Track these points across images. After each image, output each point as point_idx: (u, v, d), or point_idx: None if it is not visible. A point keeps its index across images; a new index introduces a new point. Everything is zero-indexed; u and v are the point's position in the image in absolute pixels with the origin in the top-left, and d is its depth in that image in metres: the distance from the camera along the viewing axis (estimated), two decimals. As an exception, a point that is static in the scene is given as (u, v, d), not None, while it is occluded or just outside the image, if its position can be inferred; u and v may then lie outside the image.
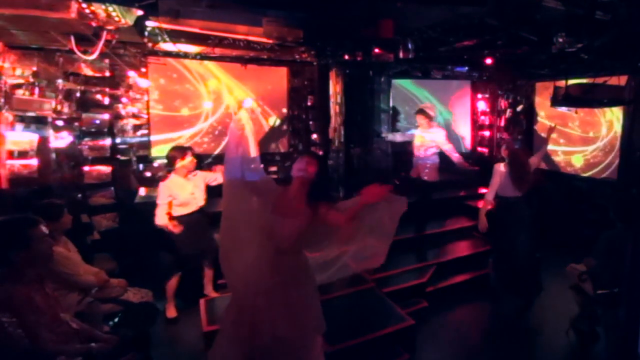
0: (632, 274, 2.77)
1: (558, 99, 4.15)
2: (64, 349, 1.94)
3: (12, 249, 1.86)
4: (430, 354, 3.29)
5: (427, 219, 5.01)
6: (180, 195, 3.51)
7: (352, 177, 5.47)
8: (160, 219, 3.45)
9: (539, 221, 4.80)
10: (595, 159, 5.45)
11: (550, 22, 3.48)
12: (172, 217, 3.49)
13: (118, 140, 4.74)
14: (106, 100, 4.58)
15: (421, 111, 4.73)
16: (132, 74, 4.62)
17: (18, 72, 3.88)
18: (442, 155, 4.79)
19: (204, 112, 5.31)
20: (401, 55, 4.49)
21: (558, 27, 3.51)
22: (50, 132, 4.12)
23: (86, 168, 4.43)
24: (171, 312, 3.70)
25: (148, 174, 4.94)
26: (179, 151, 3.57)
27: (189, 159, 3.55)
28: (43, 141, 4.01)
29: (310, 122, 5.96)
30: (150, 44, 4.26)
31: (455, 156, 4.69)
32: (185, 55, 4.87)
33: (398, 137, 5.20)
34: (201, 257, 3.76)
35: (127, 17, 2.94)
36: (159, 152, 4.97)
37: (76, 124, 4.39)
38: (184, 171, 3.56)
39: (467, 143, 7.01)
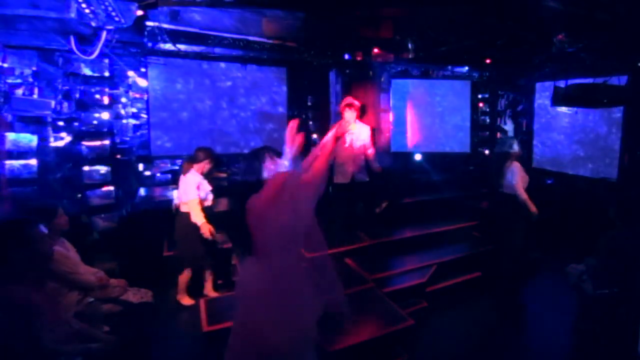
0: (632, 274, 2.77)
1: (558, 99, 4.15)
2: (64, 349, 1.94)
3: (12, 249, 1.86)
4: (430, 354, 3.29)
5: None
6: (202, 193, 3.68)
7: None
8: (199, 217, 3.56)
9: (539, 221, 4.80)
10: (594, 158, 5.46)
11: (550, 22, 3.49)
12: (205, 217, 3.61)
13: (118, 140, 4.74)
14: (106, 100, 4.58)
15: (350, 104, 4.42)
16: (131, 74, 4.61)
17: (18, 72, 3.88)
18: None
19: (204, 113, 5.31)
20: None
21: (558, 27, 3.52)
22: (49, 132, 4.11)
23: (86, 168, 4.42)
24: (187, 300, 3.85)
25: (148, 174, 4.94)
26: (208, 152, 3.81)
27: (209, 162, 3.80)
28: (42, 141, 4.01)
29: (310, 122, 5.96)
30: (150, 44, 4.26)
31: (375, 166, 4.52)
32: (185, 55, 4.87)
33: None
34: (210, 256, 3.84)
35: (126, 17, 2.94)
36: (159, 152, 4.98)
37: (76, 124, 4.38)
38: (201, 171, 3.74)
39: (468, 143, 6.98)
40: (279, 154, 2.18)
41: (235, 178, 5.10)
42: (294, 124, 2.21)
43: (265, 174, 2.03)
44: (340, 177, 4.49)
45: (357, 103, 4.41)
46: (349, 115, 4.32)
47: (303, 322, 1.90)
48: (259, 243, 1.87)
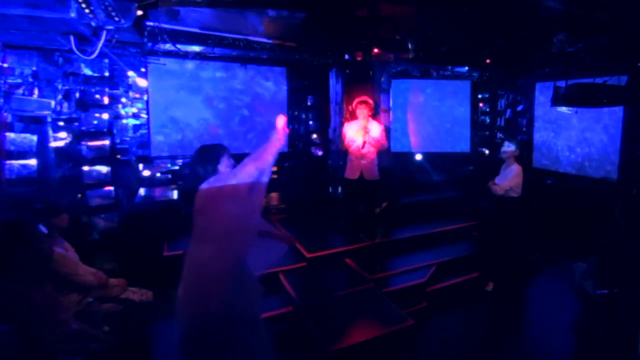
0: (632, 274, 2.77)
1: (558, 99, 4.15)
2: (64, 349, 1.94)
3: (12, 249, 1.86)
4: (430, 354, 3.30)
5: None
6: None
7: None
8: None
9: (539, 221, 4.83)
10: (594, 158, 5.46)
11: (550, 22, 3.49)
12: None
13: (118, 140, 4.74)
14: (105, 100, 4.57)
15: (364, 102, 4.49)
16: (131, 74, 4.61)
17: (18, 72, 3.88)
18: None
19: (204, 113, 5.31)
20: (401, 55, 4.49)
21: (558, 27, 3.52)
22: (49, 132, 4.12)
23: (86, 168, 4.42)
24: None
25: (148, 174, 4.95)
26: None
27: None
28: (42, 141, 4.01)
29: (310, 122, 5.96)
30: (150, 44, 4.25)
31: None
32: (185, 55, 4.87)
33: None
34: None
35: (126, 17, 2.93)
36: (159, 152, 4.98)
37: (76, 124, 4.38)
38: None
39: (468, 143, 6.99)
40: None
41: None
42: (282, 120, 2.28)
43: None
44: (349, 173, 4.62)
45: (370, 101, 4.53)
46: (362, 112, 4.47)
47: (247, 302, 2.04)
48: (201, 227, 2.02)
